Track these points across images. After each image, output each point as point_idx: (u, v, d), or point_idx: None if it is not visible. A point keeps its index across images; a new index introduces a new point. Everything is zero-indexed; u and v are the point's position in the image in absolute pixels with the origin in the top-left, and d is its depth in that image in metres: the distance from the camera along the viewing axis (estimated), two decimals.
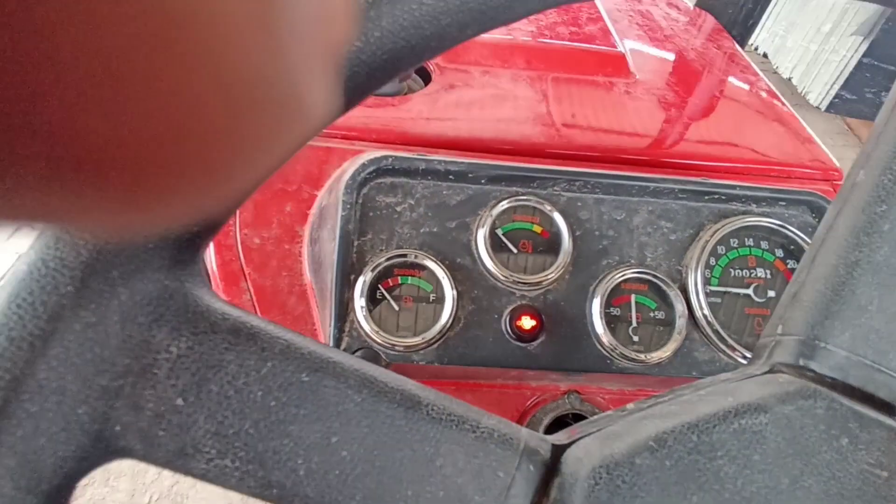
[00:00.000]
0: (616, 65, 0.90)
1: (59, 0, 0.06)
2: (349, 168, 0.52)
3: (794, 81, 3.20)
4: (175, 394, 0.21)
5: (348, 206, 0.51)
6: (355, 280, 0.50)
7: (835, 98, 3.02)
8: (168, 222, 0.10)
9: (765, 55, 3.43)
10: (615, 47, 0.93)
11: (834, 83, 3.00)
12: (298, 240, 0.61)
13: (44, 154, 0.07)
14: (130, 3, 0.07)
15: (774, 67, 3.36)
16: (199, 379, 0.21)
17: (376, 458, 0.22)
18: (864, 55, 2.88)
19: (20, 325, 0.18)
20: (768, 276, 0.55)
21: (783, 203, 0.56)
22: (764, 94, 0.88)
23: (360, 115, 0.65)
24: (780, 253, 0.55)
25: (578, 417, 0.56)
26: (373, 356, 0.49)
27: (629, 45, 0.94)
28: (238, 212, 0.61)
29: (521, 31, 0.92)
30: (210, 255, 0.60)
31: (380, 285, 0.51)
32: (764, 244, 0.55)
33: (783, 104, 0.86)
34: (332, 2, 0.11)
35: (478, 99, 0.75)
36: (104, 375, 0.20)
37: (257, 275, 0.59)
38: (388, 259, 0.50)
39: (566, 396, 0.56)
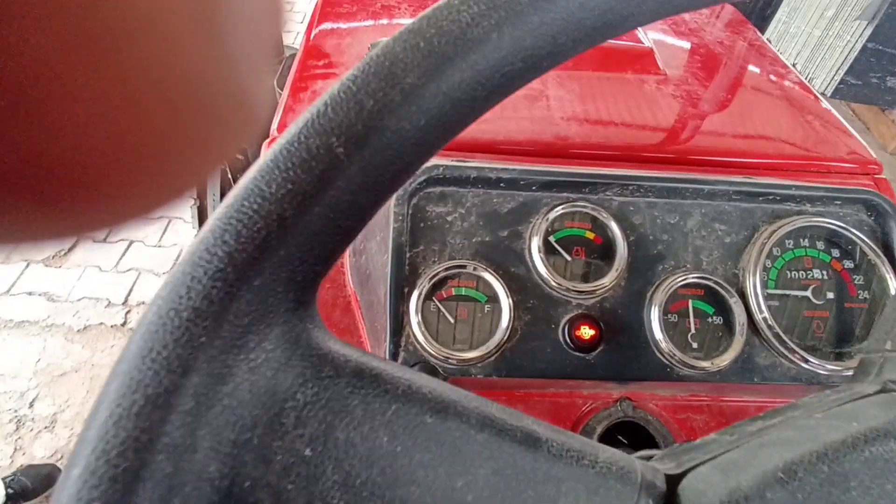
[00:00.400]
0: (645, 61, 0.88)
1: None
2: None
3: (799, 68, 3.18)
4: (303, 444, 0.20)
5: (400, 218, 0.49)
6: (409, 293, 0.49)
7: (840, 84, 3.00)
8: (119, 220, 0.10)
9: (769, 41, 3.40)
10: (641, 42, 0.92)
11: (839, 69, 2.98)
12: None
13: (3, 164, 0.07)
14: (66, 17, 0.06)
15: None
16: (326, 427, 0.20)
17: (502, 502, 0.21)
18: (868, 40, 2.86)
19: (156, 381, 0.17)
20: (825, 278, 0.54)
21: (838, 202, 0.55)
22: (795, 87, 0.87)
23: None
24: (836, 253, 0.54)
25: (632, 425, 0.55)
26: (430, 370, 0.48)
27: (655, 39, 0.93)
28: None
29: None
30: None
31: (434, 297, 0.49)
32: (820, 245, 0.54)
33: (816, 96, 0.85)
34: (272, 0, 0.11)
35: (512, 102, 0.74)
36: (234, 429, 0.19)
37: None
38: (443, 270, 0.49)
39: (619, 403, 0.55)
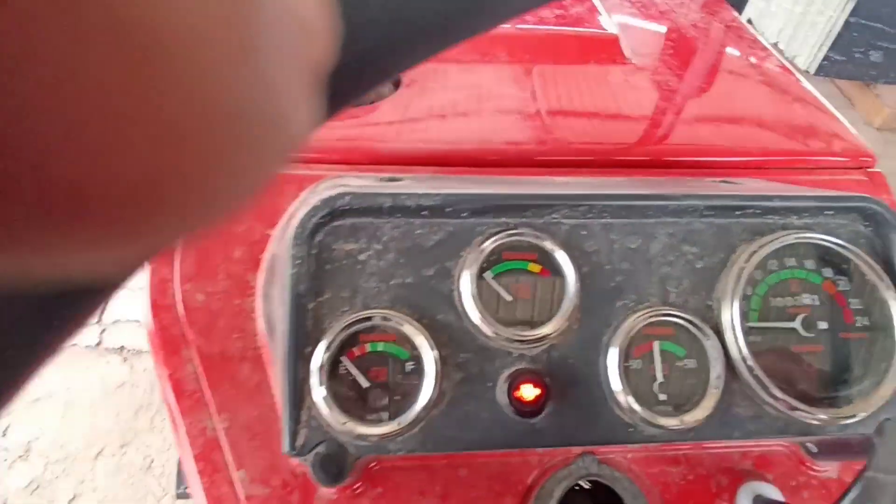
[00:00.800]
0: (609, 49, 0.79)
1: (32, 39, 0.06)
2: (299, 212, 0.41)
3: (781, 46, 3.10)
4: None
5: (298, 262, 0.40)
6: (311, 354, 0.39)
7: (823, 60, 2.93)
8: (156, 252, 0.10)
9: (749, 21, 3.32)
10: (606, 29, 0.82)
11: (822, 45, 2.90)
12: (250, 292, 0.50)
13: (23, 194, 0.07)
14: (105, 38, 0.06)
15: (760, 33, 3.25)
16: None
17: None
18: (850, 14, 2.79)
19: None
20: (817, 303, 0.45)
21: (829, 212, 0.46)
22: (778, 73, 0.78)
23: (319, 131, 0.54)
24: (828, 273, 0.46)
25: (596, 484, 0.46)
26: (337, 452, 0.39)
27: (621, 24, 0.83)
28: (178, 263, 0.51)
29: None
30: (146, 319, 0.50)
31: (343, 357, 0.40)
32: (809, 263, 0.46)
33: (800, 82, 0.76)
34: (309, 19, 0.11)
35: (455, 102, 0.65)
36: None
37: (202, 340, 0.49)
38: (355, 323, 0.40)
39: (580, 459, 0.46)
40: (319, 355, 0.39)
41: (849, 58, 2.93)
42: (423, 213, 0.42)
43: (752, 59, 0.81)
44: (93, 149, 0.07)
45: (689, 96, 0.71)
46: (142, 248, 0.09)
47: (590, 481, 0.47)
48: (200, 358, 0.48)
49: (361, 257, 0.42)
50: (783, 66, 0.79)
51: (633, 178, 0.58)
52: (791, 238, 0.45)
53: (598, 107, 0.67)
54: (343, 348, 0.40)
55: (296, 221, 0.40)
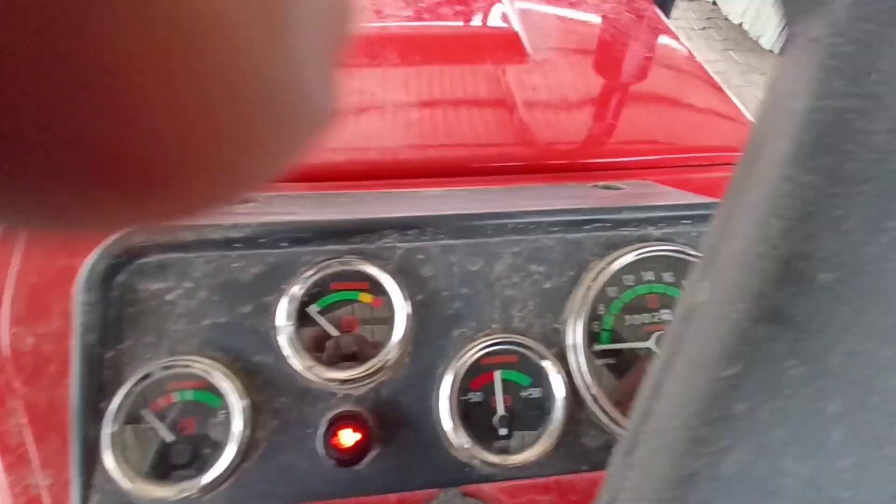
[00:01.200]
0: (508, 46, 0.75)
1: (71, 12, 0.06)
2: (91, 256, 0.38)
3: (746, 27, 3.07)
4: None
5: (87, 309, 0.37)
6: (105, 408, 0.36)
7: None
8: (180, 217, 0.10)
9: (713, 2, 3.28)
10: (507, 24, 0.79)
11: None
12: None
13: (63, 166, 0.07)
14: (141, 13, 0.07)
15: (725, 14, 3.22)
16: None
17: None
18: None
19: None
20: None
21: (687, 220, 0.43)
22: (685, 67, 0.75)
23: None
24: None
25: None
26: None
27: (526, 18, 0.80)
28: (9, 303, 0.47)
29: (393, 16, 0.77)
30: None
31: (144, 410, 0.37)
32: (668, 276, 0.42)
33: (707, 77, 0.73)
34: (334, 4, 0.11)
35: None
36: None
37: (29, 388, 0.45)
38: (147, 375, 0.36)
39: (442, 493, 0.43)
40: (112, 408, 0.36)
41: None
42: (236, 244, 0.39)
43: (660, 54, 0.77)
44: (126, 126, 0.07)
45: (587, 93, 0.68)
46: (173, 214, 0.10)
47: None
48: (26, 408, 0.44)
49: (169, 297, 0.38)
50: (692, 59, 0.76)
51: (511, 186, 0.55)
52: (646, 250, 0.41)
53: (486, 109, 0.64)
54: (145, 401, 0.37)
55: (83, 269, 0.36)
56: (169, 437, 0.37)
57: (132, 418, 0.36)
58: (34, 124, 0.07)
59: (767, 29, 2.92)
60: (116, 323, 0.38)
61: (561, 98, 0.67)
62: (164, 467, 0.36)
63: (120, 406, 0.36)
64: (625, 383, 0.40)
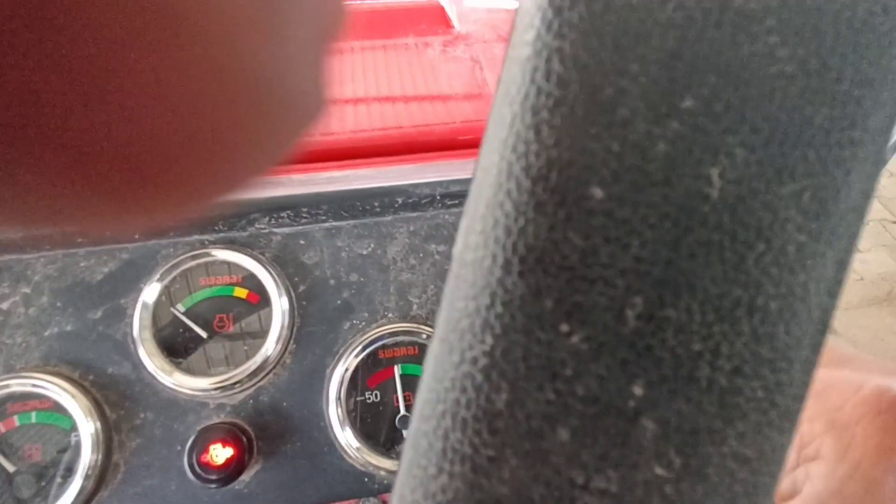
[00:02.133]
0: (430, 17, 0.70)
1: (62, 5, 0.06)
2: None
3: None
4: None
5: None
6: None
7: None
8: (173, 214, 0.10)
9: None
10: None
11: None
12: None
13: (50, 158, 0.07)
14: (132, 7, 0.07)
15: None
16: None
17: None
18: None
19: None
20: None
21: None
22: None
23: None
24: None
25: None
26: None
27: None
28: None
29: None
30: None
31: None
32: None
33: None
34: None
35: None
36: None
37: None
38: None
39: (362, 502, 0.39)
40: None
41: None
42: (79, 241, 0.34)
43: None
44: (114, 120, 0.07)
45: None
46: (165, 211, 0.09)
47: None
48: None
49: (4, 306, 0.33)
50: None
51: (420, 163, 0.50)
52: None
53: (403, 85, 0.59)
54: None
55: None
56: (10, 468, 0.31)
57: None
58: (21, 119, 0.07)
59: None
60: None
61: (477, 70, 0.62)
62: (7, 501, 0.31)
63: None
64: None
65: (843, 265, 0.10)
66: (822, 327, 0.10)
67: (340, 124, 0.53)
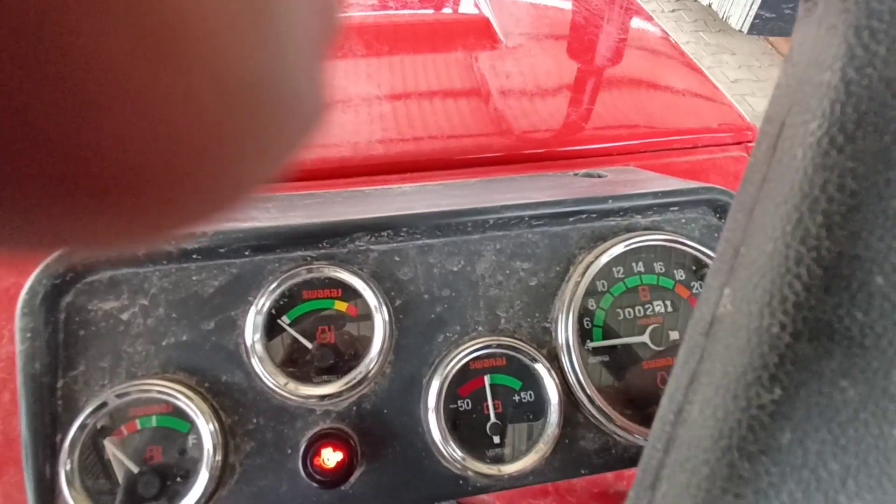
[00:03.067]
0: (480, 32, 0.72)
1: (53, 17, 0.06)
2: (31, 277, 0.34)
3: (714, 7, 3.08)
4: None
5: (30, 336, 0.33)
6: (62, 442, 0.33)
7: (755, 19, 2.92)
8: (177, 228, 0.10)
9: None
10: (478, 9, 0.76)
11: (752, 4, 2.89)
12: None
13: (47, 172, 0.07)
14: (125, 11, 0.06)
15: None
16: None
17: None
18: None
19: None
20: (669, 310, 0.40)
21: (675, 208, 0.41)
22: (661, 49, 0.73)
23: None
24: (680, 275, 0.41)
25: None
26: None
27: (495, 2, 0.77)
28: None
29: (357, 5, 0.73)
30: None
31: (107, 439, 0.34)
32: (659, 267, 0.41)
33: (684, 58, 0.71)
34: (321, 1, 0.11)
35: None
36: None
37: None
38: (116, 397, 0.33)
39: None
40: (69, 442, 0.32)
41: (779, 15, 2.93)
42: (195, 255, 0.36)
43: (634, 36, 0.75)
44: (114, 129, 0.07)
45: (561, 79, 0.65)
46: (168, 224, 0.09)
47: None
48: None
49: (124, 316, 0.35)
50: (668, 43, 0.74)
51: (490, 177, 0.53)
52: (634, 241, 0.39)
53: (458, 100, 0.61)
54: (105, 431, 0.34)
55: (23, 292, 0.33)
56: (134, 469, 0.34)
57: (92, 450, 0.33)
58: (14, 127, 0.06)
59: (736, 9, 2.94)
60: (66, 348, 0.34)
61: (535, 85, 0.64)
62: (132, 501, 0.33)
63: (73, 440, 0.33)
64: (622, 381, 0.38)
65: None
66: None
67: (404, 132, 0.55)
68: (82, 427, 0.33)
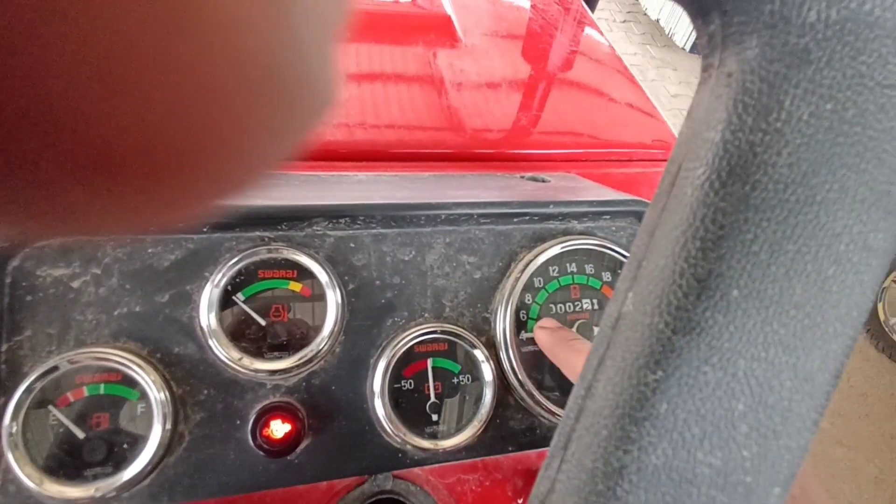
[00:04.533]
0: (441, 28, 0.75)
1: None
2: None
3: (662, 23, 3.24)
4: None
5: None
6: (6, 405, 0.33)
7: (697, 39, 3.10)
8: (192, 209, 0.10)
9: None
10: (441, 7, 0.78)
11: None
12: None
13: (64, 150, 0.07)
14: (146, 2, 0.06)
15: (644, 9, 3.38)
16: None
17: None
18: None
19: None
20: (596, 308, 0.45)
21: (607, 216, 0.46)
22: (608, 63, 0.78)
23: None
24: (608, 277, 0.46)
25: (394, 502, 0.44)
26: None
27: (457, 1, 0.79)
28: None
29: None
30: None
31: (52, 405, 0.34)
32: (589, 268, 0.45)
33: (628, 73, 0.77)
34: None
35: None
36: None
37: None
38: (66, 363, 0.34)
39: (373, 476, 0.44)
40: (13, 406, 0.33)
41: None
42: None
43: (584, 48, 0.80)
44: (130, 107, 0.07)
45: (514, 83, 0.69)
46: (181, 204, 0.09)
47: (384, 500, 0.44)
48: None
49: (75, 284, 0.35)
50: (614, 55, 0.80)
51: (440, 173, 0.55)
52: (570, 244, 0.44)
53: (415, 94, 0.64)
54: (50, 396, 0.34)
55: None
56: (80, 434, 0.34)
57: (37, 415, 0.34)
58: (31, 106, 0.06)
59: (681, 27, 3.10)
60: (11, 312, 0.34)
61: (489, 86, 0.68)
62: (77, 466, 0.34)
63: (18, 403, 0.33)
64: (550, 369, 0.43)
65: None
66: None
67: (362, 120, 0.57)
68: (28, 391, 0.33)
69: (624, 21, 3.32)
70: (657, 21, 3.27)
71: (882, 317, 2.02)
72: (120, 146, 0.07)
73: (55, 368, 0.34)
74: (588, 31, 0.84)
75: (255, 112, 0.09)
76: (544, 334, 0.40)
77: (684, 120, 0.17)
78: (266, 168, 0.11)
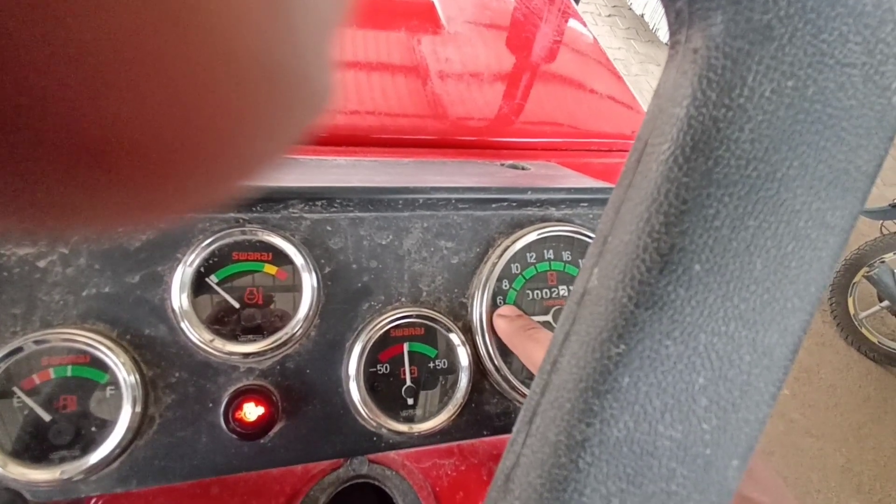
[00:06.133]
0: (424, 14, 0.74)
1: None
2: None
3: (646, 18, 3.26)
4: None
5: None
6: None
7: None
8: (184, 205, 0.10)
9: None
10: None
11: None
12: None
13: (59, 145, 0.07)
14: None
15: (629, 4, 3.40)
16: None
17: None
18: None
19: None
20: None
21: (584, 204, 0.46)
22: (591, 54, 0.78)
23: None
24: None
25: (366, 486, 0.44)
26: (12, 501, 0.32)
27: None
28: None
29: None
30: None
31: (17, 388, 0.33)
32: (566, 255, 0.45)
33: (609, 66, 0.77)
34: None
35: None
36: None
37: None
38: (32, 344, 0.33)
39: (349, 461, 0.44)
40: None
41: None
42: None
43: (568, 39, 0.80)
44: (125, 102, 0.07)
45: (496, 71, 0.69)
46: (176, 201, 0.09)
47: (360, 485, 0.44)
48: None
49: (41, 264, 0.35)
50: (597, 46, 0.80)
51: (420, 159, 0.55)
52: (547, 230, 0.44)
53: (397, 80, 0.63)
54: (16, 378, 0.33)
55: None
56: (46, 416, 0.34)
57: (0, 398, 0.33)
58: (27, 101, 0.06)
59: (664, 24, 3.12)
60: None
61: (472, 73, 0.67)
62: (43, 448, 0.33)
63: None
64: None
65: None
66: None
67: (343, 105, 0.56)
68: None
69: (609, 15, 3.34)
70: (642, 16, 3.28)
71: (852, 311, 2.08)
72: (112, 142, 0.07)
73: (19, 349, 0.33)
74: (572, 23, 0.84)
75: (250, 109, 0.09)
76: (503, 322, 0.40)
77: (652, 97, 0.17)
78: (260, 165, 0.11)
